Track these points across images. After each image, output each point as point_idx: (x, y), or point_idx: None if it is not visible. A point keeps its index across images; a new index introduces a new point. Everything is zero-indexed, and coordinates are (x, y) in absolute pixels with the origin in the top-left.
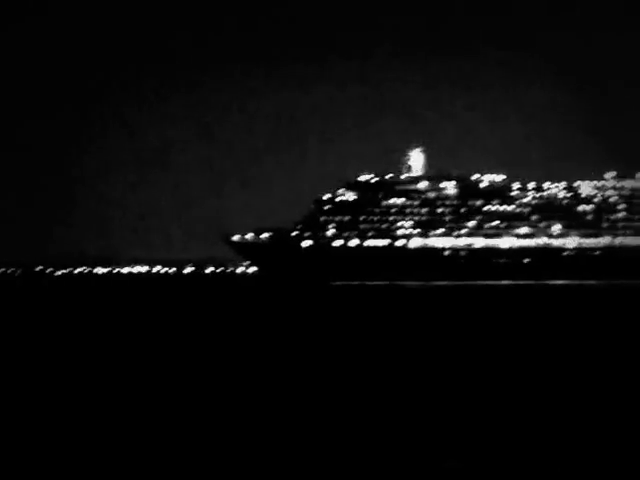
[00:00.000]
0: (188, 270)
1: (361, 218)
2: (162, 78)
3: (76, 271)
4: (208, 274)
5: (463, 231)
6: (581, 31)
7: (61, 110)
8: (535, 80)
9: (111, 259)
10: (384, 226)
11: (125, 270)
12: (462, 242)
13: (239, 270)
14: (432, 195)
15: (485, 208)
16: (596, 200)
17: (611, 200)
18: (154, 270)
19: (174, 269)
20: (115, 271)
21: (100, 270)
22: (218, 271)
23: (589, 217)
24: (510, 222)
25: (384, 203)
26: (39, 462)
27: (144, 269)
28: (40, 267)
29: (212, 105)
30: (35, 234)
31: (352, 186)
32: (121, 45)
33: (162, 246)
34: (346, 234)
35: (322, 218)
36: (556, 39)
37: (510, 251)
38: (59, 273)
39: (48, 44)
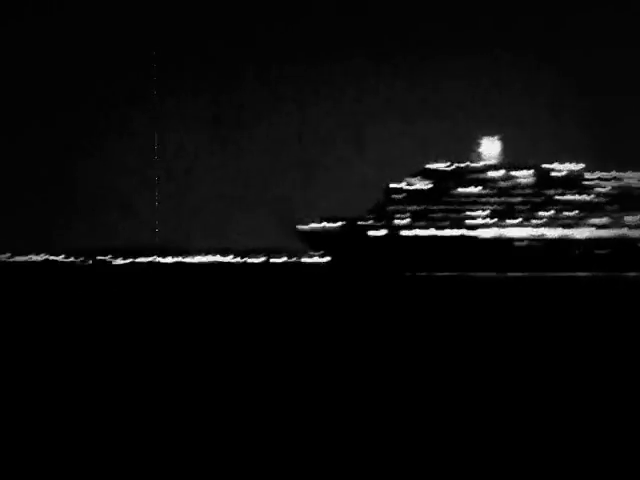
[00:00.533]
0: (258, 260)
1: (433, 207)
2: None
3: (146, 260)
4: (279, 264)
5: (539, 221)
6: None
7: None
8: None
9: (180, 248)
10: (457, 216)
11: (195, 259)
12: (537, 232)
13: (308, 260)
14: (507, 184)
15: (561, 198)
16: None
17: None
18: (224, 259)
19: (244, 259)
20: (185, 260)
21: (169, 259)
22: (288, 261)
23: None
24: (587, 212)
25: (457, 192)
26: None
27: (214, 258)
28: (110, 256)
29: (284, 95)
30: (101, 223)
31: (423, 174)
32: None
33: (232, 235)
34: (417, 223)
35: (392, 207)
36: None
37: (586, 242)
38: (130, 261)
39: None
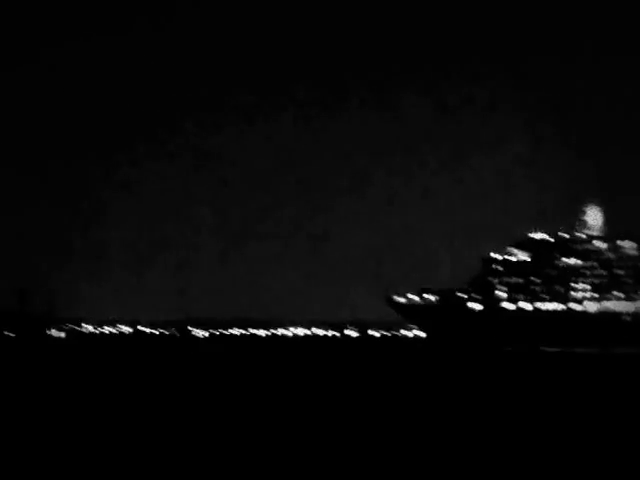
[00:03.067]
0: (351, 333)
1: (534, 279)
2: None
3: (234, 332)
4: (372, 337)
5: None
6: None
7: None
8: None
9: (270, 321)
10: (559, 288)
11: (285, 332)
12: None
13: (405, 333)
14: (611, 255)
15: None
16: None
17: None
18: (312, 332)
19: (333, 332)
20: (277, 333)
21: (261, 332)
22: (383, 334)
23: None
24: None
25: (558, 263)
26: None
27: (304, 331)
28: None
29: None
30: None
31: (523, 244)
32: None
33: (319, 307)
34: (518, 296)
35: (492, 278)
36: None
37: None
38: (217, 333)
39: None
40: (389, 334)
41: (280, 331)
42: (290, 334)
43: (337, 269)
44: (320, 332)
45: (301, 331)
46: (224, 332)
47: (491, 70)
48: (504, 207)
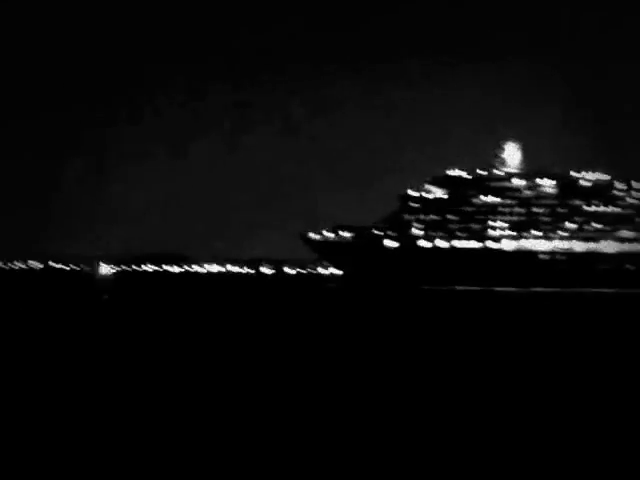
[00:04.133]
0: (266, 270)
1: (450, 217)
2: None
3: (149, 269)
4: (287, 274)
5: (564, 233)
6: None
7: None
8: None
9: (187, 257)
10: (475, 226)
11: (201, 269)
12: (560, 246)
13: (320, 271)
14: (528, 193)
15: (586, 209)
16: None
17: None
18: (230, 269)
19: (251, 269)
20: (191, 269)
21: (175, 269)
22: (297, 272)
23: None
24: (614, 225)
25: (475, 201)
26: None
27: (221, 268)
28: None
29: (298, 101)
30: (98, 232)
31: (440, 182)
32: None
33: (239, 244)
34: (434, 234)
35: (408, 216)
36: None
37: (613, 256)
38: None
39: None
40: (305, 271)
41: (194, 268)
42: (204, 271)
43: (252, 206)
44: (235, 269)
45: (215, 268)
46: (137, 268)
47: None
48: (425, 146)
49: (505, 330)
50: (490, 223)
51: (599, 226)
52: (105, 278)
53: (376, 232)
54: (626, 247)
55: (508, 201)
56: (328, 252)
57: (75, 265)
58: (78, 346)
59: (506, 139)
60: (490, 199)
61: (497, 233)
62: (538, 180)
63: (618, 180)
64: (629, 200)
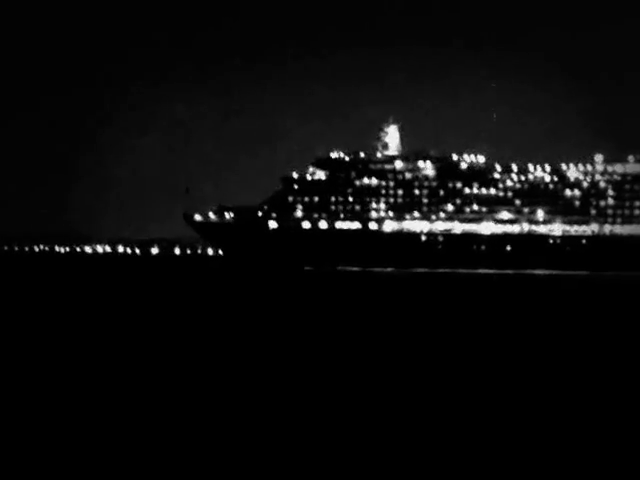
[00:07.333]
0: (153, 251)
1: (332, 199)
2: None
3: (36, 249)
4: (173, 255)
5: (441, 215)
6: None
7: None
8: (524, 62)
9: (72, 238)
10: (356, 208)
11: (88, 249)
12: (440, 227)
13: (204, 252)
14: (408, 176)
15: (465, 191)
16: (584, 185)
17: (600, 185)
18: (118, 250)
19: (138, 250)
20: (78, 250)
21: (62, 249)
22: (182, 253)
23: (576, 203)
24: (491, 206)
25: (357, 183)
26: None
27: (108, 249)
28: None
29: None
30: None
31: (323, 164)
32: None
33: (126, 225)
34: (316, 215)
35: (290, 198)
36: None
37: (491, 238)
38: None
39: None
40: (189, 252)
41: (83, 248)
42: (90, 251)
43: (140, 186)
44: (123, 249)
45: (102, 248)
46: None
47: None
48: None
49: (384, 308)
50: (371, 205)
51: (477, 208)
52: None
53: (258, 213)
54: (503, 228)
55: (389, 183)
56: (210, 233)
57: None
58: None
59: (389, 123)
60: (372, 181)
61: (377, 214)
62: (419, 163)
63: (498, 163)
64: (509, 183)
